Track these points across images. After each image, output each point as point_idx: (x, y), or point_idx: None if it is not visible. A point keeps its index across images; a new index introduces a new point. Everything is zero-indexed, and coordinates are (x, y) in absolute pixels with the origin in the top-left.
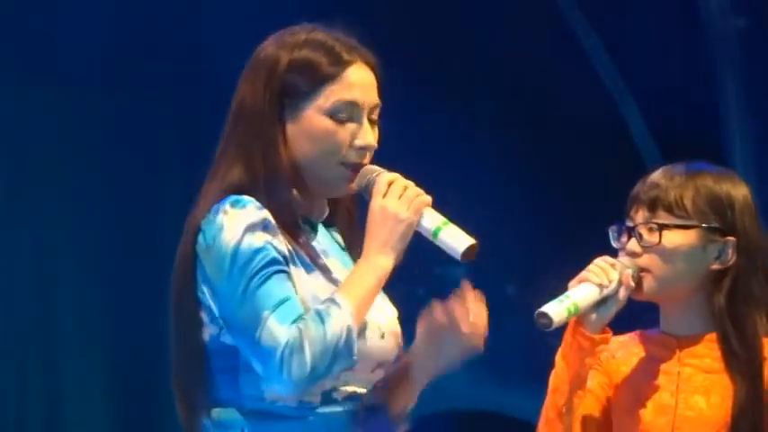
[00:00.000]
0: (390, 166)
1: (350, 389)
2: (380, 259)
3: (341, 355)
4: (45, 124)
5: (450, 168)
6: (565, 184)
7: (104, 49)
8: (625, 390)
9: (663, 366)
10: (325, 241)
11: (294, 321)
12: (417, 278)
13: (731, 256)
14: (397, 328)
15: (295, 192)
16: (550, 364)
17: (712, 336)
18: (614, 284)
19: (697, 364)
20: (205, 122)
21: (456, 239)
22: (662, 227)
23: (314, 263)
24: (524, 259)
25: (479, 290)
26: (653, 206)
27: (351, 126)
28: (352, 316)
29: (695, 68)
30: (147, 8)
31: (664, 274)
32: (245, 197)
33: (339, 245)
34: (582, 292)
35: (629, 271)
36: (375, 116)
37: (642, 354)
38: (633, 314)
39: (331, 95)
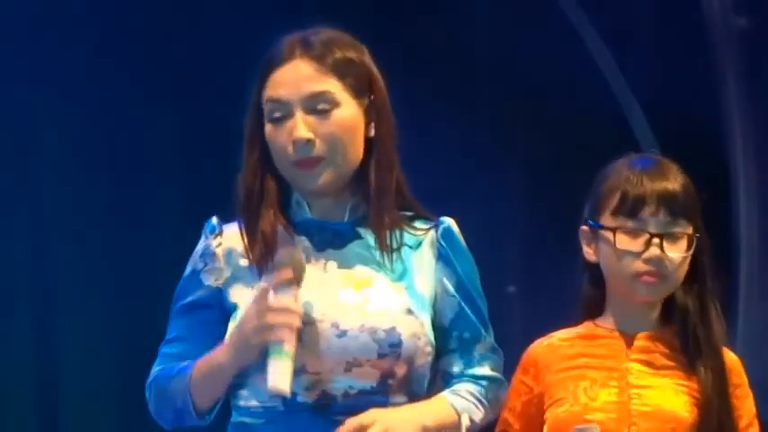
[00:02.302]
0: None
1: (316, 392)
2: (223, 360)
3: (184, 413)
4: (45, 124)
5: (449, 168)
6: (566, 184)
7: (105, 48)
8: (567, 392)
9: (608, 363)
10: (332, 243)
11: (161, 364)
12: None
13: (694, 251)
14: (381, 324)
15: (296, 198)
16: None
17: (662, 332)
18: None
19: (645, 359)
20: (207, 124)
21: (278, 375)
22: (694, 238)
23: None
24: (524, 259)
25: (483, 289)
26: (672, 212)
27: (288, 124)
28: (189, 388)
29: (697, 68)
30: (148, 8)
31: (677, 279)
32: (214, 221)
33: (367, 243)
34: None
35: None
36: (324, 105)
37: (585, 352)
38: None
39: (264, 100)
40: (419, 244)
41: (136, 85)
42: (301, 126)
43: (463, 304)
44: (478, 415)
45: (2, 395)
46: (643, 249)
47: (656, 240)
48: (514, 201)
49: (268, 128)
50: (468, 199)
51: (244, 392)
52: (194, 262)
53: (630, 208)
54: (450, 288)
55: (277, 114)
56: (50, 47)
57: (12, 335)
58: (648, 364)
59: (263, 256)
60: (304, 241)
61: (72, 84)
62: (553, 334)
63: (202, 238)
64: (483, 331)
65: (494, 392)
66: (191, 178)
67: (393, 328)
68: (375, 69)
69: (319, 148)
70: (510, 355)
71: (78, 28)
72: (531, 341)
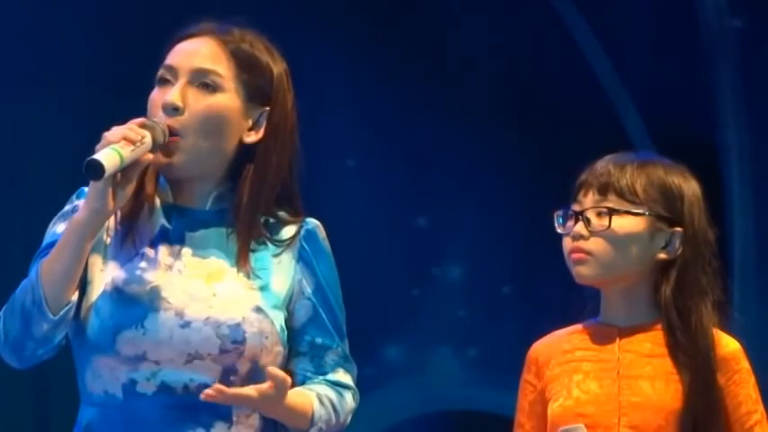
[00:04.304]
0: (387, 166)
1: (155, 382)
2: (77, 215)
3: (32, 314)
4: (43, 124)
5: (447, 169)
6: (562, 185)
7: (104, 48)
8: (562, 386)
9: (602, 356)
10: (190, 229)
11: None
12: (415, 278)
13: (678, 247)
14: (226, 319)
15: (161, 181)
16: None
17: (654, 325)
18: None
19: (637, 349)
20: None
21: (102, 154)
22: (612, 211)
23: (135, 248)
24: (523, 259)
25: (478, 290)
26: (603, 190)
27: (168, 88)
28: (38, 274)
29: (692, 68)
30: (148, 7)
31: (609, 258)
32: (86, 189)
33: (225, 236)
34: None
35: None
36: (208, 83)
37: (580, 346)
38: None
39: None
40: (282, 248)
41: (138, 86)
42: (176, 92)
43: (319, 309)
44: (330, 425)
45: None
46: (571, 228)
47: (579, 218)
48: (512, 202)
49: (153, 92)
50: (468, 200)
51: (88, 375)
52: (65, 214)
53: (574, 194)
54: (308, 290)
55: (163, 77)
56: (51, 47)
57: None
58: (640, 354)
59: (125, 234)
60: (163, 225)
61: (72, 82)
62: (555, 332)
63: (74, 199)
64: (337, 339)
65: (348, 403)
66: None
67: (238, 325)
68: (285, 86)
69: (183, 120)
70: (510, 354)
71: (79, 28)
72: (530, 341)
